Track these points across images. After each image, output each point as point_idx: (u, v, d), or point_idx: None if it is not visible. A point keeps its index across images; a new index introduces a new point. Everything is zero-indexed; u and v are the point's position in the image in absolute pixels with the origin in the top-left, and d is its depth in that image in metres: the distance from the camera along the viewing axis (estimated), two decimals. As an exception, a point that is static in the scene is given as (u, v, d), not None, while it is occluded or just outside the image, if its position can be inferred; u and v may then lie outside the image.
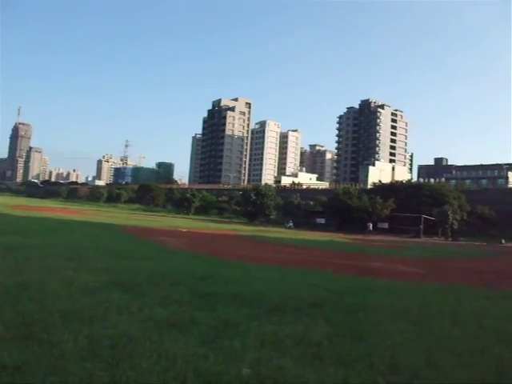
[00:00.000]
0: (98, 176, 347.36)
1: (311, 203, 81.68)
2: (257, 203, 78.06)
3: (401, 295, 11.19)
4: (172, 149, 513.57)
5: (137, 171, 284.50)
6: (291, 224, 67.24)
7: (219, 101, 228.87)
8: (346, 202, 66.34)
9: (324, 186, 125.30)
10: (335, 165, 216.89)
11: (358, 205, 65.45)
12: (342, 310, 8.64)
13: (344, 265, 19.27)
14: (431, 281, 15.10)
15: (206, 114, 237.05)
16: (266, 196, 78.91)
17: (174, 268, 13.18)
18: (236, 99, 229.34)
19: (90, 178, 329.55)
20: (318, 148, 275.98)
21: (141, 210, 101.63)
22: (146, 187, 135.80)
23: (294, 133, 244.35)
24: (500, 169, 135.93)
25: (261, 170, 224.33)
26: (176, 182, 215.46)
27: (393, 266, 20.18)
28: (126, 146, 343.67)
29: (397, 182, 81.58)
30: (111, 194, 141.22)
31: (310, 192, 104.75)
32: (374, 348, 6.19)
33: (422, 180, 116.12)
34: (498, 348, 6.54)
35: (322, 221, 72.77)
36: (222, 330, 6.52)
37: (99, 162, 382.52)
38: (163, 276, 11.04)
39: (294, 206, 79.16)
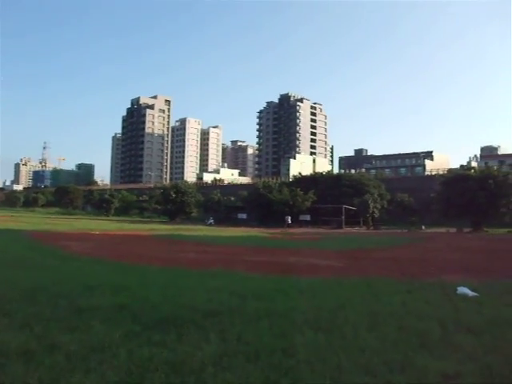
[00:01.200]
0: (16, 180, 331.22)
1: (232, 199, 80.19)
2: (177, 201, 75.66)
3: (314, 295, 9.78)
4: (93, 149, 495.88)
5: (56, 174, 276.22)
6: (212, 221, 65.55)
7: (138, 99, 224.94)
8: (267, 196, 65.09)
9: (246, 181, 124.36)
10: (257, 159, 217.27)
11: (279, 198, 64.33)
12: (243, 319, 7.24)
13: (258, 262, 17.64)
14: (350, 275, 13.78)
15: (125, 113, 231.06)
16: (185, 193, 76.65)
17: (63, 277, 11.74)
18: (155, 97, 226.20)
19: (7, 183, 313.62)
20: (239, 144, 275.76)
21: (58, 214, 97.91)
22: (63, 190, 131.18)
23: (215, 129, 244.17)
24: (417, 157, 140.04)
25: (183, 167, 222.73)
26: (96, 183, 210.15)
27: (310, 261, 18.72)
28: (44, 147, 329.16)
29: (317, 173, 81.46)
30: (28, 199, 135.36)
31: (232, 187, 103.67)
32: (271, 371, 4.93)
33: (343, 171, 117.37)
34: (420, 357, 5.49)
35: (244, 216, 71.43)
36: (84, 357, 5.18)
37: (17, 166, 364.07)
38: (44, 288, 9.68)
39: (214, 203, 77.37)
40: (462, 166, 68.84)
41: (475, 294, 10.18)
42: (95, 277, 11.77)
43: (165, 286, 10.39)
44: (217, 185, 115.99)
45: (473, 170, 54.60)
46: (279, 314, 7.68)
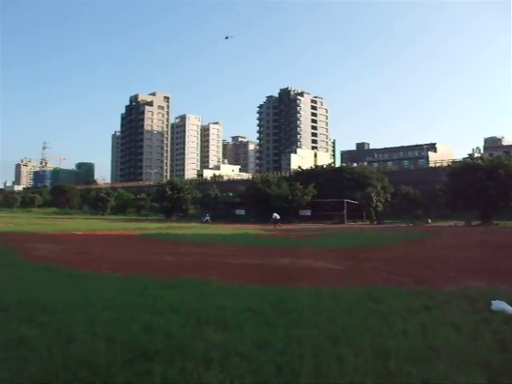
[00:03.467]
0: (17, 181, 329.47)
1: (230, 194, 77.66)
2: (173, 198, 73.16)
3: (299, 320, 7.06)
4: (93, 148, 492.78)
5: (56, 174, 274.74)
6: (208, 218, 62.94)
7: (136, 96, 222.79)
8: (265, 191, 62.49)
9: (246, 177, 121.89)
10: (258, 155, 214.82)
11: (278, 193, 61.68)
12: (183, 369, 4.87)
13: (241, 266, 14.99)
14: (350, 283, 11.07)
15: (124, 111, 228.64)
16: (181, 190, 74.00)
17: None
18: (154, 94, 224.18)
19: (8, 184, 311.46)
20: (240, 139, 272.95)
21: (55, 214, 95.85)
22: (59, 189, 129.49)
23: (215, 125, 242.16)
24: (420, 149, 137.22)
25: (183, 164, 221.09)
26: (95, 182, 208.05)
27: (305, 263, 16.06)
28: (44, 148, 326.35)
29: (317, 166, 78.62)
30: (25, 199, 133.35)
31: (231, 184, 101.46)
32: None
33: (344, 165, 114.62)
34: None
35: (242, 212, 68.90)
36: None
37: (17, 166, 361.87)
38: None
39: (211, 199, 74.92)
40: (469, 155, 65.77)
41: (518, 309, 7.57)
42: (22, 291, 9.39)
43: (103, 307, 7.86)
44: (216, 181, 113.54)
45: (480, 160, 51.54)
46: (241, 356, 5.20)
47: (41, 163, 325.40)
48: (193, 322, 6.89)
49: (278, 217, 50.80)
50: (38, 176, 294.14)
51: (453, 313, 7.57)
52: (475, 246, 23.45)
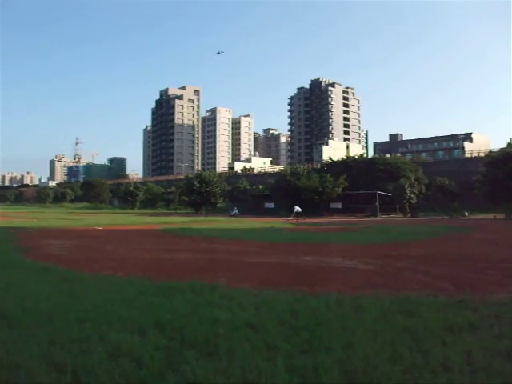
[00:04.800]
0: (52, 177, 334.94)
1: (260, 187, 76.17)
2: (201, 191, 71.77)
3: (310, 342, 5.60)
4: (125, 143, 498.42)
5: (89, 169, 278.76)
6: (236, 211, 61.47)
7: (166, 90, 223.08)
8: (294, 183, 60.73)
9: (277, 169, 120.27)
10: (289, 147, 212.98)
11: (307, 185, 59.79)
12: None
13: (258, 265, 13.49)
14: (378, 289, 9.43)
15: (154, 105, 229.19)
16: (210, 183, 72.61)
17: None
18: (184, 87, 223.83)
19: (43, 180, 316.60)
20: (271, 132, 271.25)
21: (86, 208, 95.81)
22: (89, 184, 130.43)
23: (246, 118, 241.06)
24: (456, 139, 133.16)
25: (215, 157, 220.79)
26: (127, 176, 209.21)
27: (330, 262, 14.45)
28: (77, 143, 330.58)
29: (348, 157, 76.18)
30: (57, 194, 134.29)
31: (262, 176, 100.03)
32: None
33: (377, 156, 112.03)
34: None
35: (271, 205, 67.28)
36: None
37: (52, 163, 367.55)
38: None
39: (240, 192, 73.53)
40: (509, 144, 62.64)
41: None
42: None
43: (74, 320, 6.58)
44: (247, 174, 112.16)
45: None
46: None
47: (74, 158, 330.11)
48: (175, 344, 5.52)
49: (300, 209, 49.07)
50: (71, 171, 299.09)
51: (506, 333, 5.94)
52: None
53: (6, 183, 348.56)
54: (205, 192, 71.90)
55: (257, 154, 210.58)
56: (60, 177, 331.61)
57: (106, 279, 10.82)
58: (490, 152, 64.02)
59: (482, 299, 8.22)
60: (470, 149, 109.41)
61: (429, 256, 15.91)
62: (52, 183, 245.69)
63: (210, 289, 9.27)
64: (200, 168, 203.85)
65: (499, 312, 7.18)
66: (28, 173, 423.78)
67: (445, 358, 4.98)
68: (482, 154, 75.18)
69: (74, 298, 8.30)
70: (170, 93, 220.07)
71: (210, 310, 7.20)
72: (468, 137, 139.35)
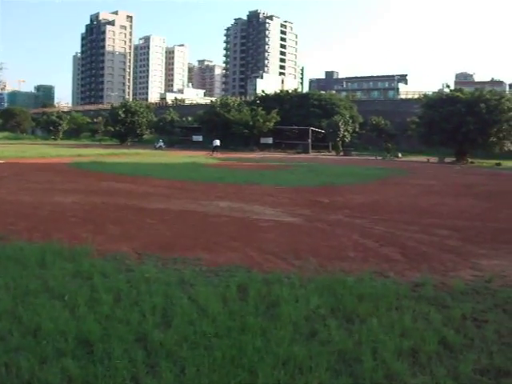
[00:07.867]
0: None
1: (190, 119, 72.34)
2: (126, 122, 67.04)
3: None
4: (54, 71, 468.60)
5: (14, 96, 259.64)
6: (161, 144, 57.83)
7: (97, 14, 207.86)
8: (224, 116, 57.36)
9: (209, 101, 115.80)
10: (224, 80, 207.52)
11: (238, 118, 56.55)
12: None
13: (155, 214, 10.67)
14: (304, 259, 6.87)
15: (84, 30, 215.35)
16: (136, 113, 67.89)
17: None
18: (116, 12, 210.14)
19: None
20: (206, 63, 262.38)
21: (6, 139, 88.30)
22: (9, 112, 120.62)
23: (180, 48, 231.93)
24: (391, 80, 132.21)
25: (147, 87, 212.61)
26: (52, 105, 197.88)
27: (248, 209, 11.76)
28: (0, 68, 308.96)
29: (282, 91, 72.76)
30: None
31: (193, 108, 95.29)
32: None
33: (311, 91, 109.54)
34: None
35: (200, 138, 63.97)
36: None
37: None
38: None
39: (167, 123, 69.46)
40: (447, 85, 61.17)
41: None
42: None
43: None
44: (177, 105, 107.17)
45: (460, 93, 47.01)
46: None
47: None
48: None
49: (218, 143, 46.57)
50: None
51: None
52: (461, 190, 19.39)
53: None
54: (130, 122, 67.31)
55: (190, 85, 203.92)
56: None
57: None
58: (425, 95, 62.66)
59: (445, 283, 5.79)
60: (405, 90, 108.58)
61: (366, 206, 13.52)
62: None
63: (68, 257, 6.40)
64: (131, 98, 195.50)
65: (472, 309, 4.81)
66: None
67: None
68: (416, 96, 74.11)
69: None
70: (101, 17, 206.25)
71: (49, 295, 4.38)
72: (403, 78, 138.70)
